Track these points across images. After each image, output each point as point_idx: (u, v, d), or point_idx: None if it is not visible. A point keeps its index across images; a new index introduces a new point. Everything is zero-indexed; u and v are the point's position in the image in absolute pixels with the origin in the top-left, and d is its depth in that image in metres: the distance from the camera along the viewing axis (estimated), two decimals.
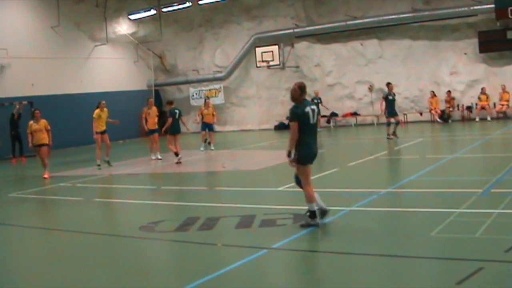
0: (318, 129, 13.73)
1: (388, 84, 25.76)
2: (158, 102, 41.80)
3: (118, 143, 24.71)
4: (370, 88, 34.49)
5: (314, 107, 10.58)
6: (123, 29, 39.35)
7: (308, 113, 10.30)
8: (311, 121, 10.36)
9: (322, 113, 35.18)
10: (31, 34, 34.52)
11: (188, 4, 36.74)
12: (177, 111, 23.05)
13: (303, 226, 10.20)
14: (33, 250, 10.74)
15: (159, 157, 24.29)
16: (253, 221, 10.93)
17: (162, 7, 37.53)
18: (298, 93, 10.59)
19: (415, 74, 33.62)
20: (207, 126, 27.26)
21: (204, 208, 12.99)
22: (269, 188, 15.13)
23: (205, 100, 29.46)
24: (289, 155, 10.47)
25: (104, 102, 23.18)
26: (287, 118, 11.21)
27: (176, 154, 22.48)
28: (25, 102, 31.06)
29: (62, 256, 10.08)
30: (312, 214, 10.20)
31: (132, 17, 38.75)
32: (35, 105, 31.36)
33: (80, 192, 17.23)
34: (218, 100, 38.50)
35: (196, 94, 40.49)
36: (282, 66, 36.77)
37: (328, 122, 35.63)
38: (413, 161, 18.65)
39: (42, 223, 12.96)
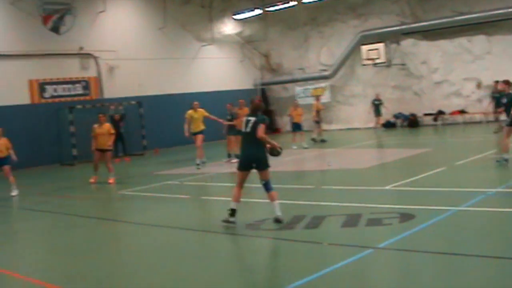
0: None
1: (496, 82, 25.16)
2: (265, 101, 42.21)
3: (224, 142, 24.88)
4: (478, 85, 33.63)
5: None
6: (228, 29, 39.79)
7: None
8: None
9: (427, 111, 34.75)
10: (139, 35, 35.43)
11: (292, 3, 36.78)
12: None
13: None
14: (142, 246, 11.02)
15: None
16: (359, 220, 10.90)
17: (266, 6, 37.71)
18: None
19: None
20: (297, 126, 27.53)
21: (310, 207, 13.02)
22: (376, 187, 15.02)
23: (293, 101, 29.89)
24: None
25: (197, 102, 23.06)
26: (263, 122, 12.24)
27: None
28: (121, 107, 31.82)
29: (169, 252, 10.34)
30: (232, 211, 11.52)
31: (237, 17, 39.09)
32: (143, 105, 32.31)
33: (187, 190, 17.56)
34: (324, 98, 38.40)
35: (302, 92, 40.52)
36: (388, 63, 36.30)
37: (435, 120, 35.00)
38: None
39: (150, 220, 13.23)
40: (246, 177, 11.88)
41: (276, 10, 37.92)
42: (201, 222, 12.52)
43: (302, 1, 36.63)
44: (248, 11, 38.26)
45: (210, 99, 28.15)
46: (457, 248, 8.74)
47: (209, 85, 38.11)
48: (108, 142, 20.75)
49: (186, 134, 22.75)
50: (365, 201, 13.04)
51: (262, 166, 11.73)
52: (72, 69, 32.43)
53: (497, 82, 24.96)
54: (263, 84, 42.53)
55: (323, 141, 29.89)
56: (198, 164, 22.47)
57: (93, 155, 21.26)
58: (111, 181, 20.76)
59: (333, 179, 17.75)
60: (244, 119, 11.87)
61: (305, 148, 26.97)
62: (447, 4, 34.30)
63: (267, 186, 11.64)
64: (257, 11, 37.95)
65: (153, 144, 32.53)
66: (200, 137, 22.69)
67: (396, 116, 36.25)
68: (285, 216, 11.71)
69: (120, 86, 33.69)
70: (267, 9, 37.73)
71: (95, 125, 21.05)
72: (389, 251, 9.01)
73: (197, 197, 15.05)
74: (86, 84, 32.96)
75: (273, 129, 42.29)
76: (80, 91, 32.70)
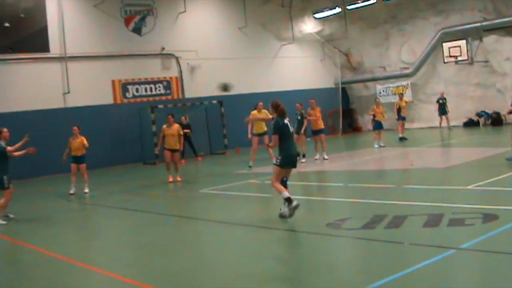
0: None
1: None
2: (346, 100, 42.11)
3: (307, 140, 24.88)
4: None
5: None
6: (308, 28, 39.79)
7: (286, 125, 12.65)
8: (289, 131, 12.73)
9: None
10: (220, 35, 35.82)
11: (372, 1, 36.54)
12: None
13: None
14: (223, 244, 11.16)
15: (325, 157, 23.91)
16: (441, 220, 10.77)
17: (347, 4, 37.54)
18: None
19: None
20: (379, 125, 27.32)
21: (391, 206, 12.93)
22: (458, 187, 14.85)
23: (375, 100, 29.69)
24: None
25: (261, 103, 22.81)
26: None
27: None
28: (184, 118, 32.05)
29: (249, 250, 10.48)
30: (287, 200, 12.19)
31: (317, 15, 38.99)
32: (224, 104, 32.59)
33: (268, 189, 17.61)
34: (406, 97, 38.01)
35: (383, 91, 40.26)
36: (471, 61, 35.67)
37: None
38: None
39: (229, 218, 13.35)
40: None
41: (356, 8, 37.68)
42: (282, 221, 12.59)
43: None
44: (328, 10, 38.12)
45: (290, 98, 28.14)
46: None
47: (289, 84, 38.22)
48: (177, 143, 21.19)
49: (250, 136, 22.94)
50: (447, 200, 12.90)
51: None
52: (154, 69, 33.07)
53: None
54: (343, 83, 42.37)
55: (403, 139, 29.62)
56: (250, 166, 22.49)
57: (164, 156, 21.78)
58: (179, 179, 21.41)
59: (415, 178, 17.57)
60: (285, 122, 12.69)
61: (382, 146, 26.76)
62: None
63: (287, 182, 12.89)
64: (337, 10, 37.77)
65: (234, 143, 32.78)
66: (265, 138, 22.80)
67: (479, 115, 35.60)
68: (366, 215, 11.72)
69: (201, 85, 34.16)
70: (347, 7, 37.56)
71: (164, 126, 21.52)
72: (472, 252, 8.89)
73: (278, 196, 15.05)
74: (167, 84, 33.53)
75: (354, 128, 42.14)
76: (162, 91, 33.29)
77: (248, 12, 36.19)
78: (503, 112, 30.44)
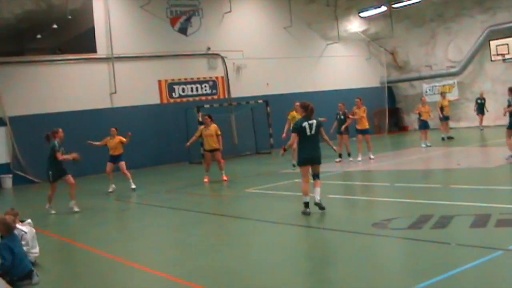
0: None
1: None
2: (391, 99, 41.91)
3: (352, 140, 24.86)
4: None
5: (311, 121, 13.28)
6: (354, 27, 39.68)
7: (305, 127, 13.18)
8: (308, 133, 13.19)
9: None
10: (265, 35, 35.98)
11: None
12: None
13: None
14: (269, 243, 11.20)
15: (371, 156, 23.74)
16: (489, 221, 10.68)
17: (392, 3, 37.34)
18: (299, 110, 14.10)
19: None
20: (425, 124, 27.08)
21: (438, 206, 12.86)
22: (506, 187, 14.74)
23: (421, 99, 29.52)
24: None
25: (298, 103, 22.63)
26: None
27: None
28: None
29: (297, 250, 10.57)
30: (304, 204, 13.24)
31: (363, 14, 38.86)
32: (270, 103, 32.69)
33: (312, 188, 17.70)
34: (453, 95, 37.71)
35: (429, 90, 39.95)
36: None
37: None
38: None
39: (277, 218, 13.41)
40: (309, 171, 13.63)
41: (402, 6, 37.47)
42: (327, 220, 12.61)
43: None
44: (374, 8, 37.96)
45: (336, 98, 28.17)
46: None
47: (335, 83, 38.27)
48: (216, 143, 21.43)
49: (284, 135, 22.87)
50: (495, 201, 12.78)
51: (320, 162, 13.59)
52: (199, 69, 33.34)
53: None
54: (389, 82, 42.19)
55: (450, 138, 29.38)
56: (294, 165, 22.27)
57: (205, 156, 22.20)
58: (225, 178, 21.67)
59: (461, 178, 17.41)
60: (306, 123, 13.20)
61: (429, 146, 26.57)
62: None
63: (318, 176, 13.58)
64: (383, 8, 37.64)
65: (280, 142, 32.77)
66: None
67: None
68: (412, 215, 11.69)
69: (247, 85, 34.33)
70: (393, 5, 37.37)
71: (202, 127, 21.95)
72: None
73: (325, 195, 15.09)
74: (213, 83, 33.76)
75: (400, 127, 41.91)
76: (208, 91, 33.53)
77: (294, 11, 36.28)
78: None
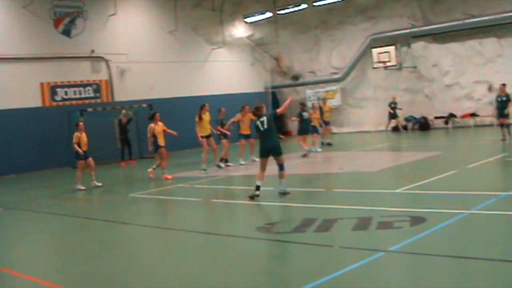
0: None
1: (502, 85, 25.06)
2: (275, 105, 42.20)
3: (235, 145, 24.84)
4: (490, 88, 33.31)
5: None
6: (239, 32, 39.86)
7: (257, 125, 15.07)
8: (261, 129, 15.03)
9: (438, 114, 34.78)
10: (150, 38, 35.67)
11: (303, 6, 36.81)
12: (304, 113, 25.18)
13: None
14: (153, 249, 11.11)
15: (255, 159, 23.62)
16: (370, 223, 10.86)
17: (277, 9, 37.72)
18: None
19: None
20: (314, 129, 27.37)
21: (321, 210, 13.01)
22: (387, 190, 15.01)
23: (312, 104, 30.10)
24: None
25: (207, 104, 22.96)
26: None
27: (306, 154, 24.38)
28: (130, 112, 31.77)
29: (180, 255, 10.40)
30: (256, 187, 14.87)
31: (248, 20, 39.09)
32: (153, 107, 32.37)
33: (198, 193, 17.60)
34: (335, 101, 38.37)
35: (313, 95, 40.50)
36: (399, 66, 36.22)
37: (446, 123, 34.95)
38: None
39: (161, 223, 13.34)
40: (267, 162, 15.15)
41: (287, 13, 37.95)
42: (210, 225, 12.53)
43: (313, 4, 36.63)
44: (259, 14, 38.27)
45: (220, 103, 28.10)
46: (468, 252, 8.72)
47: (220, 88, 38.27)
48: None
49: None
50: (376, 204, 13.00)
51: (278, 153, 15.07)
52: (83, 72, 32.66)
53: (504, 85, 24.88)
54: (273, 87, 42.57)
55: (329, 144, 29.66)
56: (204, 169, 22.19)
57: (157, 153, 22.19)
58: (169, 177, 21.57)
59: (344, 182, 17.70)
60: (258, 122, 15.08)
61: (314, 151, 26.74)
62: (458, 6, 34.17)
63: (282, 167, 15.11)
64: (268, 14, 38.01)
65: (165, 147, 32.49)
66: (212, 139, 22.90)
67: (407, 119, 36.18)
68: (296, 219, 11.76)
69: (131, 89, 33.92)
70: (278, 12, 37.74)
71: (152, 125, 21.57)
72: (400, 255, 8.99)
73: (208, 199, 15.01)
74: (97, 87, 33.16)
75: (283, 132, 42.28)
76: (91, 94, 32.88)
77: (179, 16, 36.10)
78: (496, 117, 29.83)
